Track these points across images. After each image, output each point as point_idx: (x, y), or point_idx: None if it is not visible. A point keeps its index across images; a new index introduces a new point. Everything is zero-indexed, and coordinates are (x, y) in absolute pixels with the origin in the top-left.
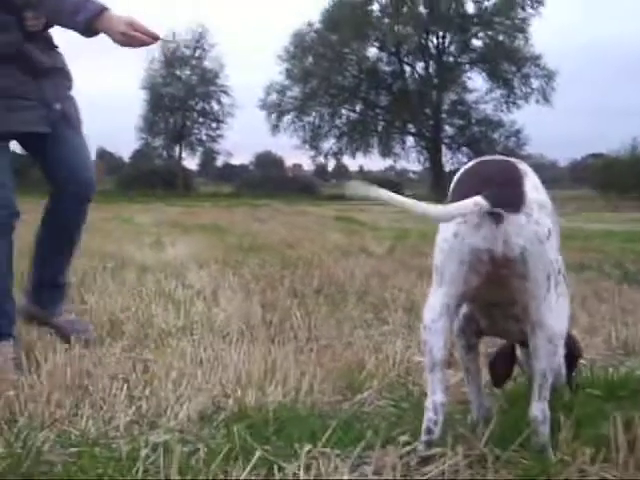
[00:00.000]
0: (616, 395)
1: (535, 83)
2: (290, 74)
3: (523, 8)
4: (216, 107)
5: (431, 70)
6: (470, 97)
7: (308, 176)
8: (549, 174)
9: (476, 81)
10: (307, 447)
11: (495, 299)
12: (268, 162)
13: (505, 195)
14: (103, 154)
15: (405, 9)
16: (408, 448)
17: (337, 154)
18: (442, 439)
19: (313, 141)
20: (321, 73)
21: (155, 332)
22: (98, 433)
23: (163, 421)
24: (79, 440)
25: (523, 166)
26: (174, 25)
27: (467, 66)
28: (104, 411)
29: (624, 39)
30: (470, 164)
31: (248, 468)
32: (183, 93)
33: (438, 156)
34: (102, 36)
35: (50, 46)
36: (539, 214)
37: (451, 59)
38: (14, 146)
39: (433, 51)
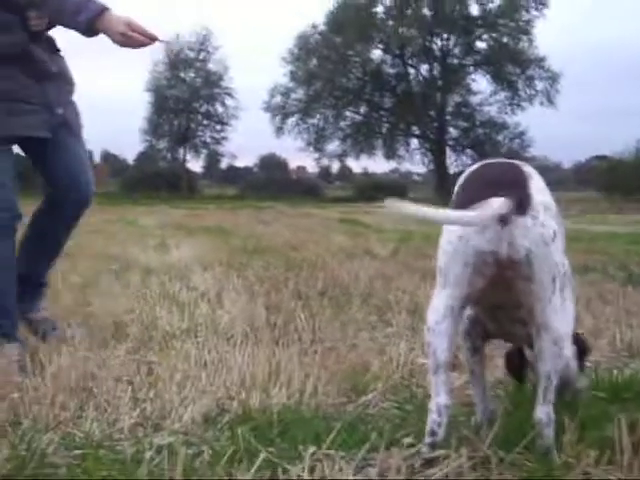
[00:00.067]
0: (620, 397)
1: (539, 85)
2: (294, 76)
3: (527, 10)
4: (220, 109)
5: (435, 72)
6: (474, 99)
7: (312, 178)
8: (553, 176)
9: (480, 83)
10: (311, 449)
11: (500, 302)
12: (272, 164)
13: (510, 197)
14: (107, 156)
15: (409, 11)
16: (412, 450)
17: (341, 156)
18: (446, 441)
19: (317, 143)
20: (325, 75)
21: (159, 334)
22: (102, 435)
23: (167, 423)
24: (83, 442)
25: (528, 168)
26: (178, 28)
27: (471, 68)
28: (108, 413)
29: (628, 41)
30: (475, 167)
31: (252, 470)
32: (187, 95)
33: (442, 158)
34: (104, 37)
35: (53, 49)
36: (544, 216)
37: (455, 61)
38: (17, 149)
39: (437, 53)
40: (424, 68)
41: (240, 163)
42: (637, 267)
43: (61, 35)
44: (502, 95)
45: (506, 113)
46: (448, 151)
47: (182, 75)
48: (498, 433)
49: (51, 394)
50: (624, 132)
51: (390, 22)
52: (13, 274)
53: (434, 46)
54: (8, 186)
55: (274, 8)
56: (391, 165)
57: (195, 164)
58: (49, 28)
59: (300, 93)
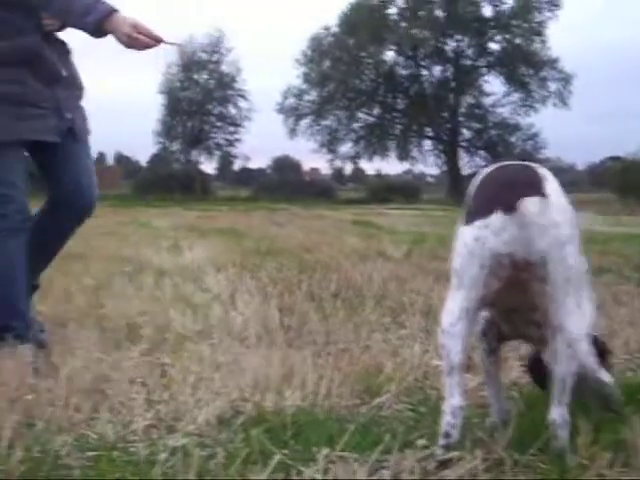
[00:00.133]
0: (635, 399)
1: (552, 86)
2: (307, 78)
3: (540, 11)
4: (233, 111)
5: (448, 73)
6: (487, 100)
7: (325, 180)
8: (567, 177)
9: (493, 84)
10: (325, 451)
11: (515, 304)
12: (285, 166)
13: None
14: (120, 158)
15: (422, 13)
16: (426, 452)
17: (354, 158)
18: (460, 443)
19: (330, 145)
20: (338, 77)
21: (173, 336)
22: (116, 437)
23: (181, 425)
24: (97, 444)
25: (543, 170)
26: (192, 29)
27: (484, 69)
28: (122, 415)
29: None
30: (489, 169)
31: (266, 472)
32: (201, 97)
33: (455, 159)
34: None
35: (64, 53)
36: (561, 217)
37: (468, 62)
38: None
39: (450, 54)
40: (437, 69)
41: (253, 165)
42: None
43: (74, 35)
44: (515, 96)
45: (519, 114)
46: (461, 152)
47: (195, 77)
48: (512, 435)
49: (65, 396)
50: (638, 133)
51: (403, 23)
52: (25, 276)
53: (447, 47)
54: (20, 188)
55: (287, 10)
56: (404, 166)
57: (208, 166)
58: (61, 29)
59: (313, 95)
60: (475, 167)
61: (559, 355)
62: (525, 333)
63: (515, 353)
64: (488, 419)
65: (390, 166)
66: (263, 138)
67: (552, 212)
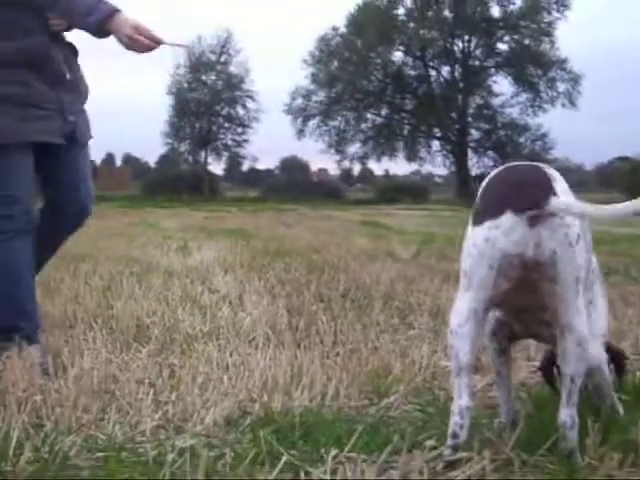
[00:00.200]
0: None
1: (561, 87)
2: (315, 78)
3: (549, 12)
4: (242, 112)
5: (457, 74)
6: (496, 101)
7: (333, 180)
8: (575, 178)
9: (502, 85)
10: (333, 452)
11: (525, 304)
12: (294, 167)
13: (536, 198)
14: (129, 159)
15: (430, 13)
16: (435, 453)
17: (362, 158)
18: (468, 443)
19: (338, 145)
20: (346, 77)
21: (181, 337)
22: (125, 438)
23: (189, 426)
24: (106, 445)
25: (551, 171)
26: (200, 30)
27: (493, 70)
28: (131, 416)
29: None
30: (498, 169)
31: (274, 473)
32: (209, 98)
33: (464, 160)
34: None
35: (72, 55)
36: (569, 218)
37: (477, 63)
38: None
39: (458, 55)
40: (445, 70)
41: (261, 165)
42: None
43: (83, 35)
44: (524, 97)
45: (528, 115)
46: (470, 153)
47: (203, 78)
48: (521, 435)
49: (73, 396)
50: None
51: (411, 24)
52: (32, 276)
53: (455, 48)
54: (26, 189)
55: (295, 11)
56: (412, 167)
57: (217, 167)
58: (69, 29)
59: (321, 95)
60: (483, 168)
61: (568, 355)
62: (536, 332)
63: (524, 353)
64: (496, 420)
65: (398, 166)
66: (271, 139)
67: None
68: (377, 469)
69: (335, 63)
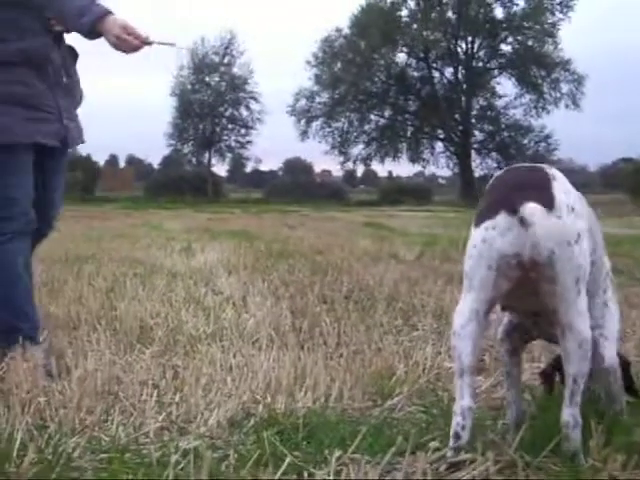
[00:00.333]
0: None
1: (565, 88)
2: (319, 80)
3: (552, 13)
4: (245, 113)
5: (460, 75)
6: (499, 102)
7: (337, 182)
8: (579, 179)
9: (505, 86)
10: (337, 453)
11: (531, 307)
12: (297, 168)
13: (533, 198)
14: (132, 160)
15: (434, 14)
16: (438, 454)
17: (366, 160)
18: (472, 445)
19: (342, 147)
20: (350, 79)
21: (185, 338)
22: (128, 439)
23: (193, 427)
24: (109, 446)
25: (552, 171)
26: (203, 31)
27: (496, 71)
28: (134, 417)
29: None
30: (501, 171)
31: (278, 474)
32: (212, 99)
33: (467, 161)
34: None
35: (71, 58)
36: (568, 217)
37: (480, 64)
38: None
39: (462, 56)
40: (449, 71)
41: (265, 167)
42: None
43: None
44: (527, 98)
45: (531, 116)
46: (473, 154)
47: (207, 79)
48: (524, 437)
49: (77, 398)
50: None
51: (414, 25)
52: (30, 277)
53: (459, 49)
54: (26, 190)
55: (299, 12)
56: (416, 168)
57: (220, 168)
58: (69, 30)
59: (325, 97)
60: (487, 169)
61: (570, 356)
62: (551, 334)
63: (528, 355)
64: (500, 421)
65: (402, 168)
66: (274, 140)
67: (559, 212)
68: (381, 470)
69: (338, 64)
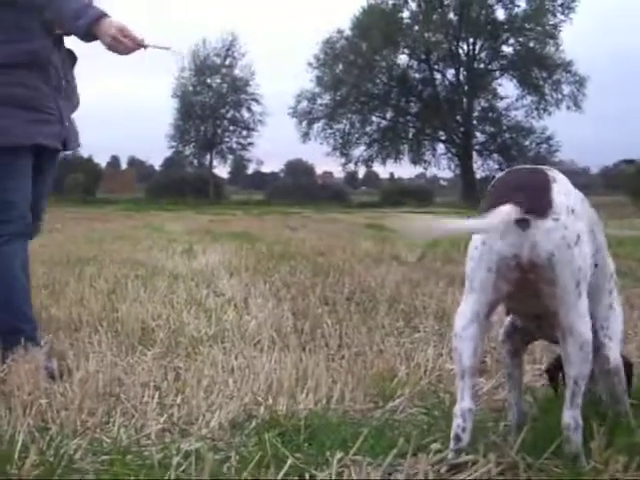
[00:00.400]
0: None
1: (566, 89)
2: (320, 82)
3: (554, 14)
4: (247, 115)
5: (461, 77)
6: (501, 104)
7: (338, 183)
8: (581, 180)
9: (507, 88)
10: (339, 455)
11: (532, 309)
12: (299, 170)
13: (531, 200)
14: (134, 162)
15: (435, 16)
16: (440, 456)
17: (367, 161)
18: (473, 446)
19: (343, 148)
20: (351, 80)
21: (186, 340)
22: (130, 441)
23: (195, 429)
24: (111, 448)
25: (553, 173)
26: (205, 33)
27: (497, 73)
28: (136, 419)
29: None
30: (502, 173)
31: (280, 476)
32: (214, 101)
33: (469, 163)
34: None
35: (70, 61)
36: (568, 219)
37: (481, 66)
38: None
39: (463, 58)
40: (450, 73)
41: (266, 169)
42: None
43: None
44: (529, 100)
45: (533, 117)
46: (475, 156)
47: (208, 81)
48: (526, 438)
49: (79, 400)
50: None
51: (416, 27)
52: (28, 279)
53: (460, 51)
54: (24, 193)
55: (300, 14)
56: (417, 170)
57: (222, 170)
58: (69, 33)
59: (326, 98)
60: (489, 171)
61: (571, 358)
62: (553, 336)
63: (529, 357)
64: (502, 423)
65: (403, 169)
66: (276, 142)
67: (558, 214)
68: (382, 472)
69: (340, 66)
